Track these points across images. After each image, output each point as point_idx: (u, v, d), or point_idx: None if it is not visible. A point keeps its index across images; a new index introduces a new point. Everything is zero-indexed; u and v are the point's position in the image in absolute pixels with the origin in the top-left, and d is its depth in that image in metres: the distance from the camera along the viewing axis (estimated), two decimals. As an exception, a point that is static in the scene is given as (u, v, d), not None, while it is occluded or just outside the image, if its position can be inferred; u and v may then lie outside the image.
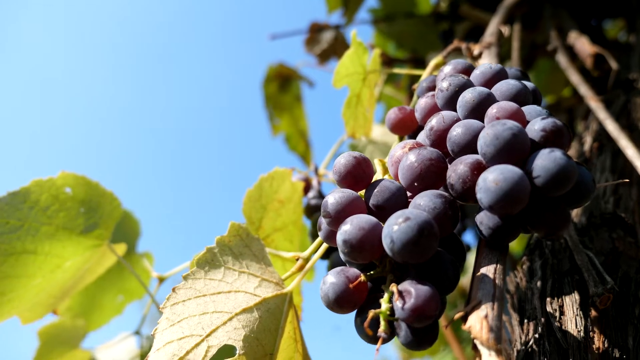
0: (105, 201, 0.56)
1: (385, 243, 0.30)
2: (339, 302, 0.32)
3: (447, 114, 0.37)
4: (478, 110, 0.35)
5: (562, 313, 0.42)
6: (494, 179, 0.29)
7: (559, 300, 0.43)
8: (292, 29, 1.09)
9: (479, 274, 0.31)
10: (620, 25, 1.17)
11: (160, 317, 0.36)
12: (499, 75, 0.38)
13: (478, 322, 0.27)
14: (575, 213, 0.51)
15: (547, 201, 0.31)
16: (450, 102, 0.38)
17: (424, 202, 0.32)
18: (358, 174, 0.35)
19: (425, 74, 0.53)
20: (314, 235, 0.65)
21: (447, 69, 0.42)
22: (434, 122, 0.37)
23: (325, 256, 0.57)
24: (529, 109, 0.35)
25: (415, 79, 1.05)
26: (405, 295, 0.29)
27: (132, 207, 0.80)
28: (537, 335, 0.42)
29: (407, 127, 0.44)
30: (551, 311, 0.43)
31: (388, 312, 0.30)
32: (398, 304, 0.29)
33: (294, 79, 1.28)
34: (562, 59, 0.68)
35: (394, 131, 0.44)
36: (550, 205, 0.31)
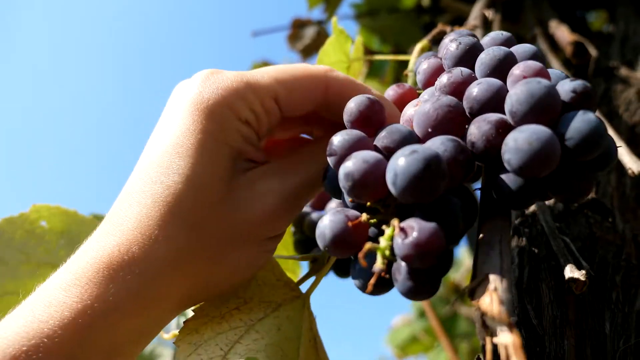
0: (87, 229, 0.52)
1: (389, 178, 0.27)
2: (337, 242, 0.29)
3: (464, 69, 0.34)
4: (498, 70, 0.33)
5: (538, 300, 0.42)
6: (527, 139, 0.27)
7: (535, 287, 0.42)
8: (274, 26, 1.08)
9: (483, 247, 0.29)
10: (605, 16, 1.17)
11: (177, 351, 0.34)
12: (510, 42, 0.37)
13: (487, 296, 0.25)
14: (552, 199, 0.50)
15: (573, 166, 0.29)
16: (460, 63, 0.35)
17: (434, 144, 0.30)
18: (369, 117, 0.33)
19: (412, 58, 0.52)
20: (294, 232, 0.64)
21: (452, 35, 0.39)
22: (452, 74, 0.34)
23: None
24: (550, 71, 0.33)
25: (400, 71, 1.04)
26: (407, 230, 0.26)
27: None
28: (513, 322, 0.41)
29: (407, 104, 0.41)
30: (527, 298, 0.42)
31: (387, 251, 0.27)
32: (398, 239, 0.26)
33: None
34: (542, 45, 0.68)
35: None
36: (576, 170, 0.29)
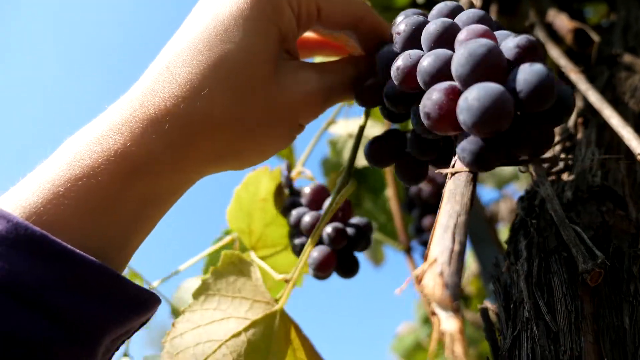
0: None
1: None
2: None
3: (413, 51, 0.34)
4: (444, 40, 0.33)
5: (550, 294, 0.38)
6: (476, 96, 0.27)
7: (547, 280, 0.39)
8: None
9: (438, 229, 0.28)
10: (602, 12, 1.16)
11: (162, 351, 0.38)
12: (456, 11, 0.36)
13: (431, 280, 0.24)
14: (560, 188, 0.48)
15: (530, 118, 0.30)
16: (411, 44, 0.35)
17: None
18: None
19: None
20: (293, 235, 0.61)
21: (400, 17, 0.39)
22: (399, 61, 0.34)
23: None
24: (497, 33, 0.33)
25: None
26: None
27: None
28: (524, 320, 0.38)
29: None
30: (538, 293, 0.39)
31: None
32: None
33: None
34: (540, 34, 0.66)
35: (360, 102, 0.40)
36: (534, 122, 0.29)
